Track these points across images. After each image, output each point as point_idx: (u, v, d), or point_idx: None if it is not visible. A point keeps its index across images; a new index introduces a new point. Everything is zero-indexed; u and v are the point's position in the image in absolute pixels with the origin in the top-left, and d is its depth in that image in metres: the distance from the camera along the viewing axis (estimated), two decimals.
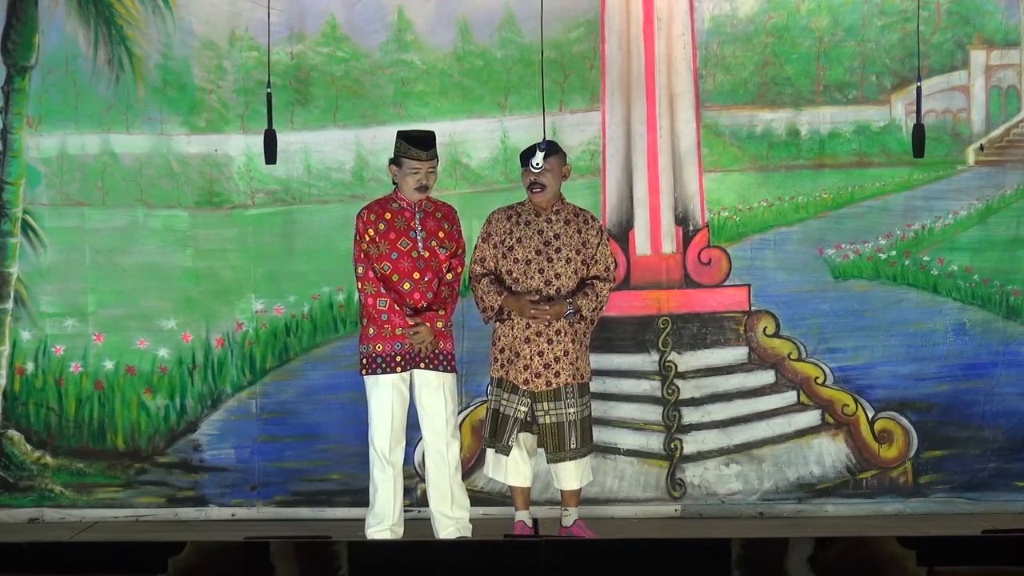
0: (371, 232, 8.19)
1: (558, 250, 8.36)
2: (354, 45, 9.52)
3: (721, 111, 9.52)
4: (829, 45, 9.53)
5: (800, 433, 9.50)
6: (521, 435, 8.34)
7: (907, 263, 9.53)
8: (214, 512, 9.46)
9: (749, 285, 9.52)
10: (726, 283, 9.52)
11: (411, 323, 8.11)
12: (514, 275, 8.35)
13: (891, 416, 9.47)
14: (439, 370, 8.20)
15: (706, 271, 9.52)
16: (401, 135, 8.27)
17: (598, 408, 8.88)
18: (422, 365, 8.18)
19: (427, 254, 8.21)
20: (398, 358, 8.15)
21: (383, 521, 8.18)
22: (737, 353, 9.51)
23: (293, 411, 9.47)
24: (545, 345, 8.30)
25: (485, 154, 9.52)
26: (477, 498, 8.85)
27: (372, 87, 9.51)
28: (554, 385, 8.29)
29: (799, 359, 9.49)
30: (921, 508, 9.42)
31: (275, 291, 9.50)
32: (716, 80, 9.53)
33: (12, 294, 9.48)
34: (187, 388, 9.49)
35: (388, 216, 8.23)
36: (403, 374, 8.17)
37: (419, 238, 8.21)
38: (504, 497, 8.80)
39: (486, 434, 8.43)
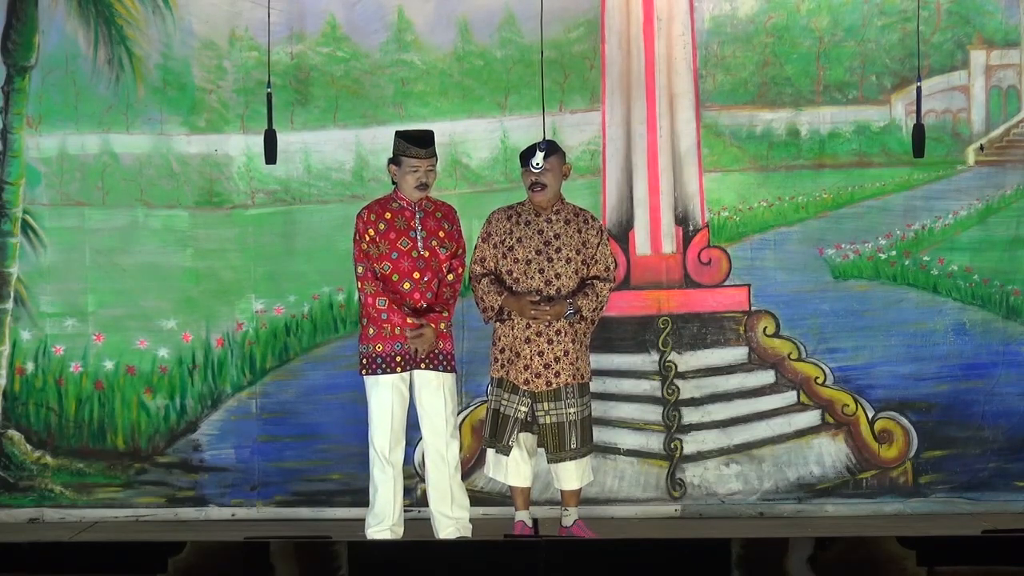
0: (371, 232, 8.19)
1: (558, 250, 8.36)
2: (354, 45, 9.52)
3: (721, 111, 9.52)
4: (829, 45, 9.53)
5: (800, 433, 9.50)
6: (521, 435, 8.34)
7: (907, 263, 9.53)
8: (214, 512, 9.46)
9: (749, 285, 9.52)
10: (726, 283, 9.52)
11: (415, 323, 8.10)
12: (514, 275, 8.35)
13: (891, 416, 9.48)
14: (439, 370, 8.20)
15: (706, 271, 9.52)
16: (400, 134, 8.27)
17: (598, 408, 8.88)
18: (422, 365, 8.18)
19: (427, 254, 8.21)
20: (398, 358, 8.15)
21: (383, 521, 8.18)
22: (737, 353, 9.51)
23: (293, 411, 9.47)
24: (545, 345, 8.30)
25: (485, 154, 9.52)
26: (477, 498, 8.85)
27: (372, 87, 9.51)
28: (554, 385, 8.29)
29: (799, 359, 9.49)
30: (921, 508, 9.42)
31: (275, 291, 9.50)
32: (716, 80, 9.53)
33: (12, 294, 9.48)
34: (187, 388, 9.49)
35: (388, 216, 8.23)
36: (403, 374, 8.17)
37: (419, 238, 8.21)
38: (504, 497, 8.80)
39: (486, 434, 8.43)
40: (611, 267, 8.45)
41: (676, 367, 9.48)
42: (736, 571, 6.71)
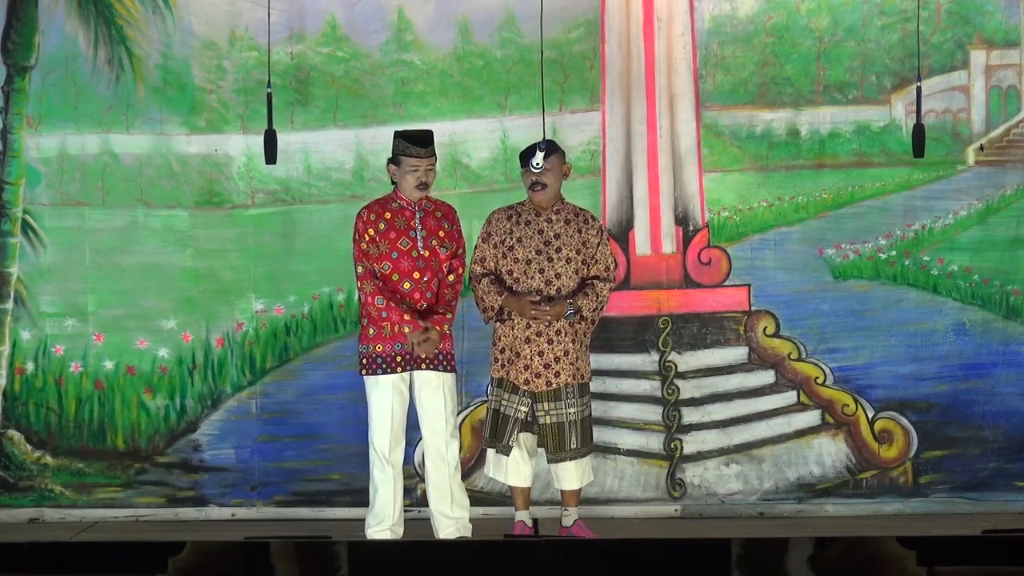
0: (371, 231, 8.19)
1: (558, 250, 8.36)
2: (354, 45, 9.52)
3: (721, 111, 9.52)
4: (829, 45, 9.53)
5: (800, 433, 9.50)
6: (521, 435, 8.34)
7: (907, 263, 9.53)
8: (214, 512, 9.46)
9: (749, 285, 9.52)
10: (726, 283, 9.52)
11: (415, 322, 8.08)
12: (514, 275, 8.35)
13: (891, 416, 9.48)
14: (439, 370, 8.19)
15: (706, 271, 9.52)
16: (399, 134, 8.27)
17: (598, 408, 8.88)
18: (423, 366, 8.17)
19: (427, 253, 8.21)
20: (398, 358, 8.15)
21: (383, 521, 8.18)
22: (737, 353, 9.51)
23: (293, 411, 9.47)
24: (545, 345, 8.30)
25: (485, 154, 9.52)
26: (477, 498, 8.85)
27: (372, 87, 9.51)
28: (554, 385, 8.29)
29: (799, 359, 9.49)
30: (921, 508, 9.42)
31: (275, 291, 9.50)
32: (716, 80, 9.53)
33: (12, 294, 9.48)
34: (187, 388, 9.49)
35: (388, 215, 8.23)
36: (403, 374, 8.17)
37: (419, 237, 8.21)
38: (504, 497, 8.80)
39: (486, 434, 8.43)
40: (611, 267, 8.45)
41: (676, 367, 9.48)
42: (736, 571, 6.71)
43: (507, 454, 8.33)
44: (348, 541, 6.96)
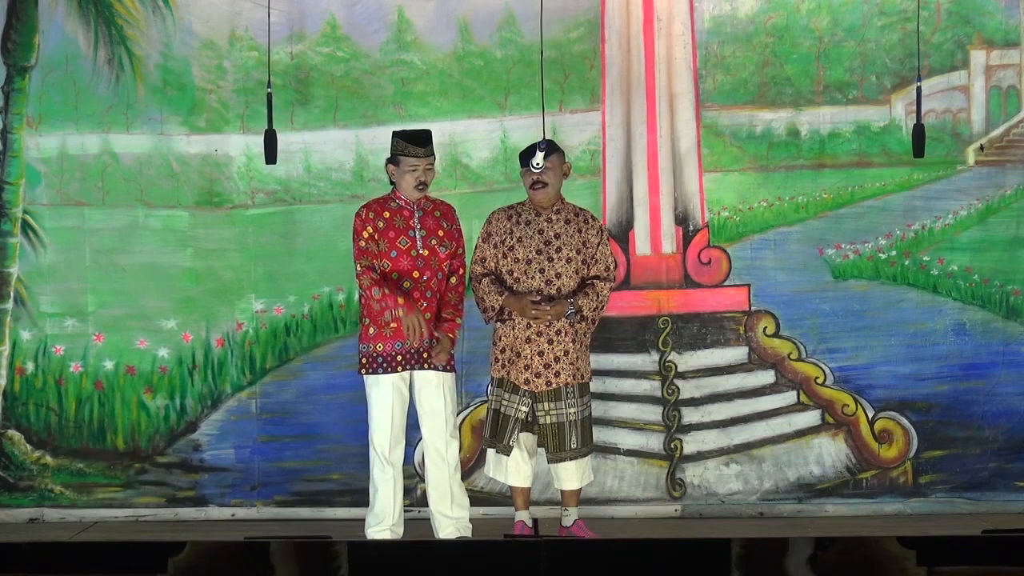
0: (369, 229, 8.18)
1: (559, 250, 8.36)
2: (354, 45, 9.52)
3: (721, 111, 9.52)
4: (829, 45, 9.53)
5: (800, 433, 9.50)
6: (522, 435, 8.34)
7: (907, 263, 9.53)
8: (214, 512, 9.46)
9: (749, 285, 9.52)
10: (726, 283, 9.52)
11: (414, 307, 8.05)
12: (515, 275, 8.35)
13: (891, 416, 9.47)
14: (439, 370, 8.19)
15: (706, 271, 9.52)
16: (397, 134, 8.27)
17: (598, 408, 8.88)
18: (426, 365, 8.17)
19: (426, 252, 8.21)
20: (399, 357, 8.14)
21: (383, 521, 8.18)
22: (737, 353, 9.51)
23: (293, 411, 9.48)
24: (546, 345, 8.30)
25: (485, 154, 9.52)
26: (477, 498, 8.85)
27: (372, 87, 9.52)
28: (554, 385, 8.29)
29: (799, 359, 9.49)
30: (921, 508, 9.42)
31: (275, 291, 9.50)
32: (716, 80, 9.53)
33: (12, 294, 9.48)
34: (187, 388, 9.49)
35: (386, 215, 8.22)
36: (403, 373, 8.16)
37: (418, 237, 8.20)
38: (504, 497, 8.80)
39: (487, 434, 8.43)
40: (611, 267, 8.45)
41: (676, 367, 9.48)
42: (736, 571, 6.71)
43: (507, 454, 8.33)
44: (348, 541, 6.96)
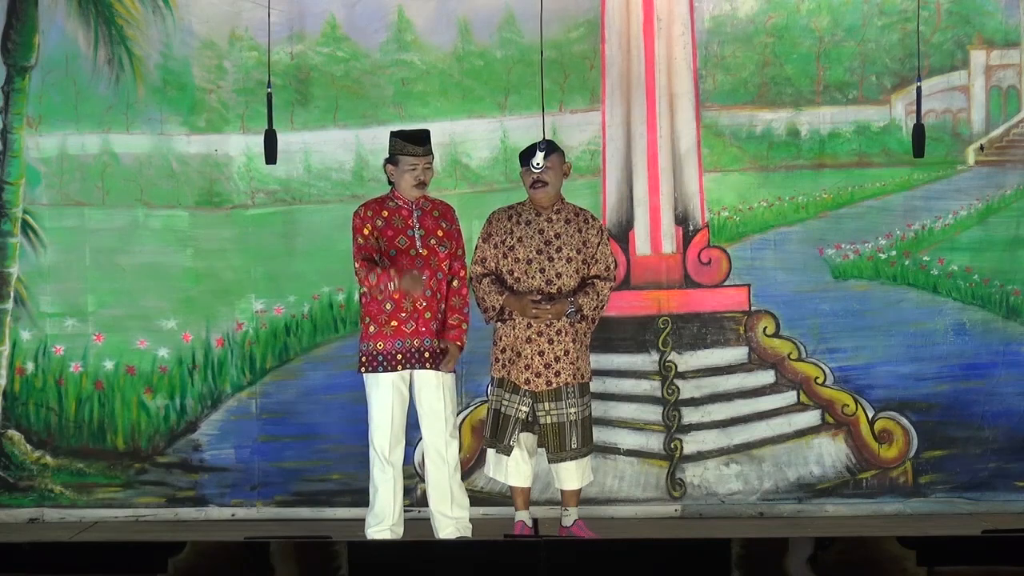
0: (369, 227, 8.19)
1: (559, 249, 8.36)
2: (354, 45, 9.52)
3: (721, 111, 9.52)
4: (829, 45, 9.53)
5: (800, 433, 9.50)
6: (522, 435, 8.34)
7: (907, 263, 9.53)
8: (214, 512, 9.46)
9: (749, 285, 9.52)
10: (726, 283, 9.52)
11: (403, 272, 8.05)
12: (515, 275, 8.35)
13: (891, 416, 9.47)
14: (439, 370, 8.19)
15: (706, 271, 9.52)
16: (396, 134, 8.28)
17: (598, 408, 8.88)
18: (426, 365, 8.17)
19: (425, 252, 8.21)
20: (399, 356, 8.15)
21: (383, 521, 8.18)
22: (737, 353, 9.51)
23: (293, 411, 9.47)
24: (546, 345, 8.30)
25: (485, 154, 9.53)
26: (477, 498, 8.85)
27: (372, 87, 9.52)
28: (554, 384, 8.29)
29: (799, 359, 9.49)
30: (921, 508, 9.42)
31: (275, 291, 9.50)
32: (716, 80, 9.53)
33: (12, 294, 9.48)
34: (187, 388, 9.49)
35: (385, 214, 8.23)
36: (403, 373, 8.17)
37: (417, 236, 8.21)
38: (504, 497, 8.80)
39: (487, 434, 8.43)
40: (611, 266, 8.45)
41: (676, 367, 9.48)
42: (736, 571, 6.71)
43: (508, 454, 8.33)
44: (348, 541, 6.96)
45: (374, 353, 8.15)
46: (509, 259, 8.37)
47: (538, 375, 8.29)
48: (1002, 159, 9.53)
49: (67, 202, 9.51)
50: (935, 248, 9.53)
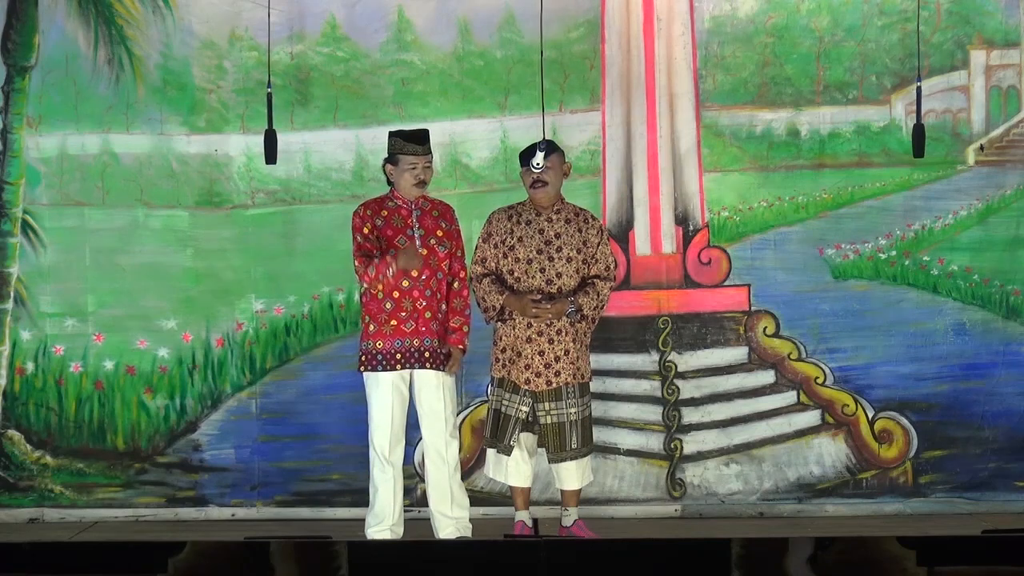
0: (368, 226, 8.19)
1: (559, 249, 8.36)
2: (354, 45, 9.52)
3: (721, 111, 9.52)
4: (829, 45, 9.53)
5: (800, 433, 9.50)
6: (522, 435, 8.34)
7: (907, 263, 9.53)
8: (214, 512, 9.46)
9: (749, 285, 9.52)
10: (726, 283, 9.52)
11: (400, 248, 8.06)
12: (515, 275, 8.35)
13: (891, 416, 9.47)
14: (439, 369, 8.20)
15: (706, 271, 9.52)
16: (395, 134, 8.28)
17: (598, 408, 8.88)
18: (426, 365, 8.17)
19: (425, 251, 8.21)
20: (398, 355, 8.15)
21: (383, 521, 8.18)
22: (737, 353, 9.51)
23: (293, 411, 9.47)
24: (546, 344, 8.30)
25: (485, 154, 9.52)
26: (477, 498, 8.85)
27: (372, 87, 9.52)
28: (554, 384, 8.29)
29: (799, 359, 9.49)
30: (921, 508, 9.42)
31: (275, 291, 9.50)
32: (716, 80, 9.53)
33: (12, 294, 9.48)
34: (187, 388, 9.49)
35: (384, 213, 8.23)
36: (403, 372, 8.16)
37: (416, 236, 8.21)
38: (504, 497, 8.80)
39: (487, 434, 8.43)
40: (612, 266, 8.45)
41: (676, 367, 9.48)
42: (736, 571, 6.71)
43: (508, 454, 8.33)
44: (348, 541, 6.96)
45: (373, 352, 8.16)
46: (509, 259, 8.37)
47: (538, 375, 8.29)
48: (1002, 159, 9.53)
49: (67, 202, 9.51)
50: (935, 248, 9.53)
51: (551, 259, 8.35)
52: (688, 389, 9.49)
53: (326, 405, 9.44)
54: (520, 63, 9.47)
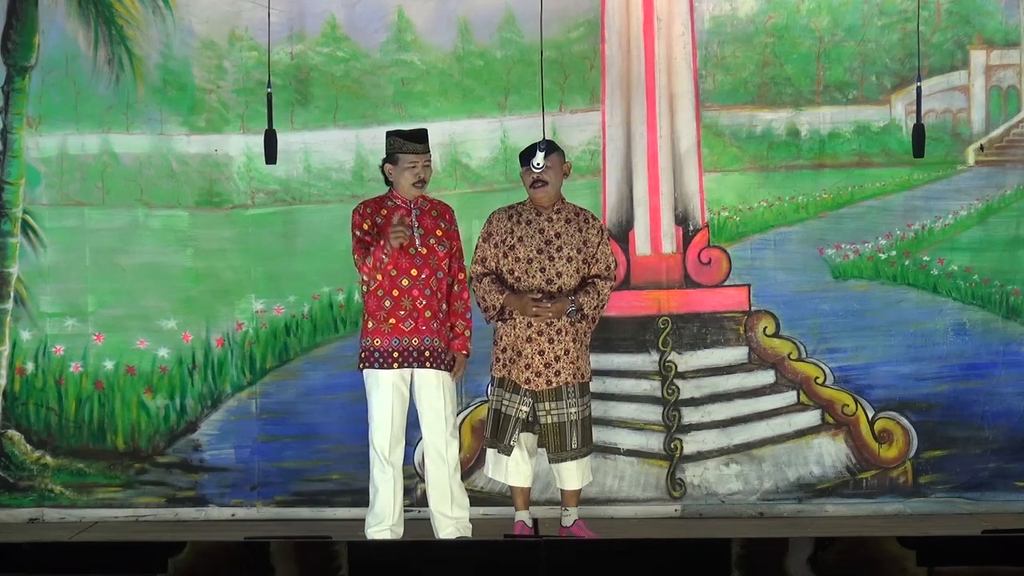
0: (368, 223, 8.19)
1: (559, 249, 8.36)
2: (354, 45, 9.52)
3: (721, 111, 9.52)
4: (829, 45, 9.53)
5: (800, 433, 9.50)
6: (522, 435, 8.34)
7: (907, 263, 9.53)
8: (214, 512, 9.46)
9: (749, 285, 9.52)
10: (726, 283, 9.52)
11: (407, 224, 8.07)
12: (515, 274, 8.35)
13: (891, 416, 9.47)
14: (439, 369, 8.20)
15: (706, 271, 9.52)
16: (393, 133, 8.28)
17: (598, 408, 8.88)
18: (426, 365, 8.17)
19: (424, 251, 8.21)
20: (395, 354, 8.14)
21: (383, 521, 8.18)
22: (737, 353, 9.51)
23: (293, 411, 9.47)
24: (546, 344, 8.30)
25: (485, 154, 9.53)
26: (477, 498, 8.85)
27: (372, 87, 9.52)
28: (554, 384, 8.29)
29: (799, 359, 9.49)
30: (921, 508, 9.42)
31: (275, 291, 9.50)
32: (716, 80, 9.53)
33: (12, 294, 9.48)
34: (187, 388, 9.49)
35: (384, 212, 8.23)
36: (402, 372, 8.16)
37: (416, 235, 8.21)
38: (504, 497, 8.80)
39: (487, 434, 8.43)
40: (612, 266, 8.45)
41: (676, 367, 9.48)
42: (736, 571, 6.71)
43: (508, 454, 8.33)
44: (348, 541, 6.96)
45: (371, 349, 8.16)
46: (509, 259, 8.37)
47: (538, 374, 8.29)
48: (1002, 159, 9.53)
49: (67, 202, 9.51)
50: (935, 248, 9.53)
51: (551, 259, 8.35)
52: (688, 389, 9.49)
53: (326, 405, 9.44)
54: (520, 63, 9.47)
